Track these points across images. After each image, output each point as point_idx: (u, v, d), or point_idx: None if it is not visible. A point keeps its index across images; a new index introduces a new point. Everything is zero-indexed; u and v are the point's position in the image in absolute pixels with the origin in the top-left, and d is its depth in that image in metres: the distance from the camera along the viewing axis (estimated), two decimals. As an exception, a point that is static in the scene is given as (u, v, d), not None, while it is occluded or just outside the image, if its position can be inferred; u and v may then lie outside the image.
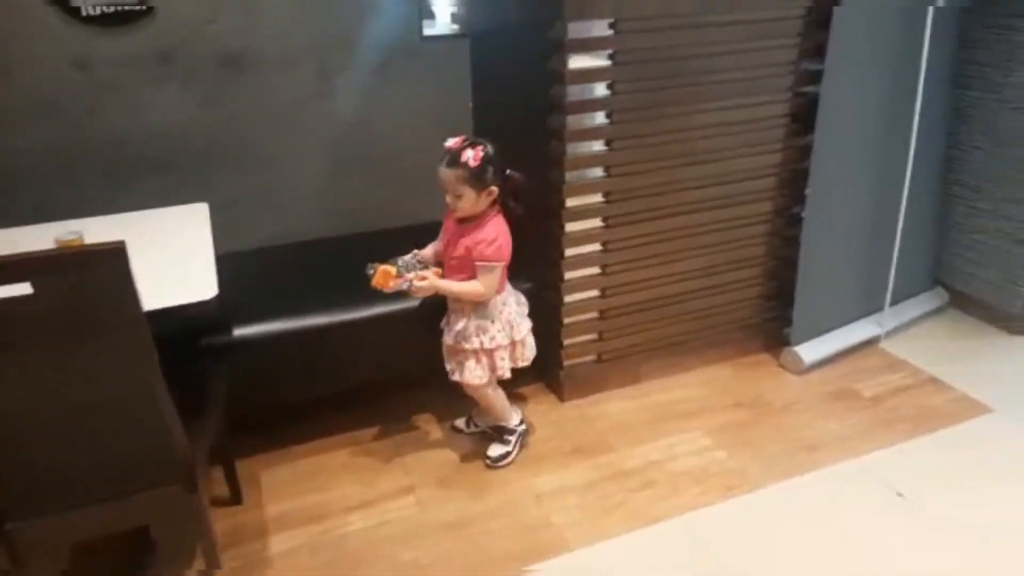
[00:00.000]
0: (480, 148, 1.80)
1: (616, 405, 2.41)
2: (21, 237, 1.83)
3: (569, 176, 2.12)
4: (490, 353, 1.97)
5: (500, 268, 1.89)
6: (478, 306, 1.93)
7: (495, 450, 2.13)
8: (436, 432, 2.28)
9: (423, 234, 2.10)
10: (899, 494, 1.99)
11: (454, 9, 2.68)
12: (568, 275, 2.25)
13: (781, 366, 2.60)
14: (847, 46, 2.21)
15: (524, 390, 2.46)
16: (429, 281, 1.84)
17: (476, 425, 2.24)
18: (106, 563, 1.76)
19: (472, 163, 1.78)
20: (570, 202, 2.15)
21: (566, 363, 2.38)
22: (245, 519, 1.93)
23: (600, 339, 2.41)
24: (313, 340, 2.08)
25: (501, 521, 1.93)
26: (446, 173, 1.81)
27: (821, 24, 2.20)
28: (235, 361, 1.95)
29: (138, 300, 1.19)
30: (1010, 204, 2.63)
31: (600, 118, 2.11)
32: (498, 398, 2.11)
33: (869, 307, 2.73)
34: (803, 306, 2.53)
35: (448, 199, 1.85)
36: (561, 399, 2.42)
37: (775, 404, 2.41)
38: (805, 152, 2.35)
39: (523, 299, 2.06)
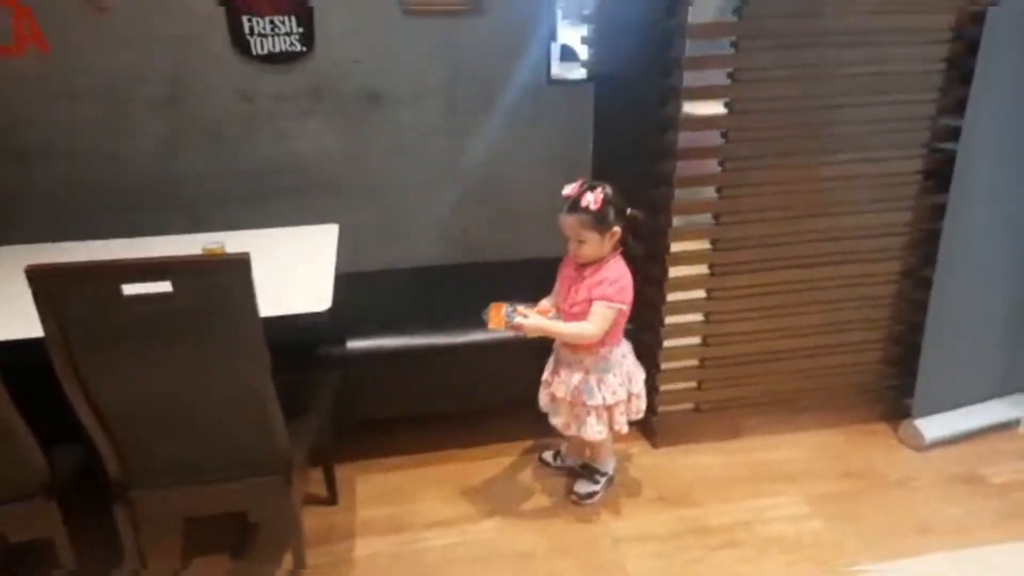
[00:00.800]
0: (600, 190, 1.78)
1: (710, 458, 2.34)
2: (176, 245, 2.10)
3: (676, 220, 2.12)
4: (611, 408, 1.94)
5: (617, 311, 1.83)
6: (599, 359, 1.89)
7: (583, 487, 2.13)
8: (524, 462, 2.32)
9: (537, 268, 2.16)
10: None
11: (583, 55, 2.79)
12: (669, 319, 2.24)
13: (899, 439, 2.42)
14: (988, 101, 2.07)
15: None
16: (532, 320, 1.82)
17: (564, 461, 2.26)
18: (212, 545, 1.94)
19: (593, 206, 1.76)
20: (675, 247, 2.14)
21: (661, 409, 2.35)
22: (337, 520, 2.06)
23: (699, 388, 2.36)
24: (418, 359, 2.21)
25: (575, 559, 1.93)
26: (568, 220, 1.80)
27: (963, 79, 2.08)
28: (346, 371, 2.11)
29: (256, 306, 1.34)
30: None
31: (713, 165, 2.10)
32: (607, 444, 2.12)
33: (1010, 387, 2.48)
34: (928, 376, 2.35)
35: (571, 246, 1.84)
36: (654, 445, 2.39)
37: (888, 478, 2.24)
38: (939, 212, 2.20)
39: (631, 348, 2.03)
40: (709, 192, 2.13)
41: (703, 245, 2.18)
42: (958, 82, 2.09)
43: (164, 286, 1.29)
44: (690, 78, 1.97)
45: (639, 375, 2.00)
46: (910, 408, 2.39)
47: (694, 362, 2.32)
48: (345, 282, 2.40)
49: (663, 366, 2.30)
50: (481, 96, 2.64)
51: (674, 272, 2.18)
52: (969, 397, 2.45)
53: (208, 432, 1.45)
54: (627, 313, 1.88)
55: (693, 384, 2.36)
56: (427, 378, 2.25)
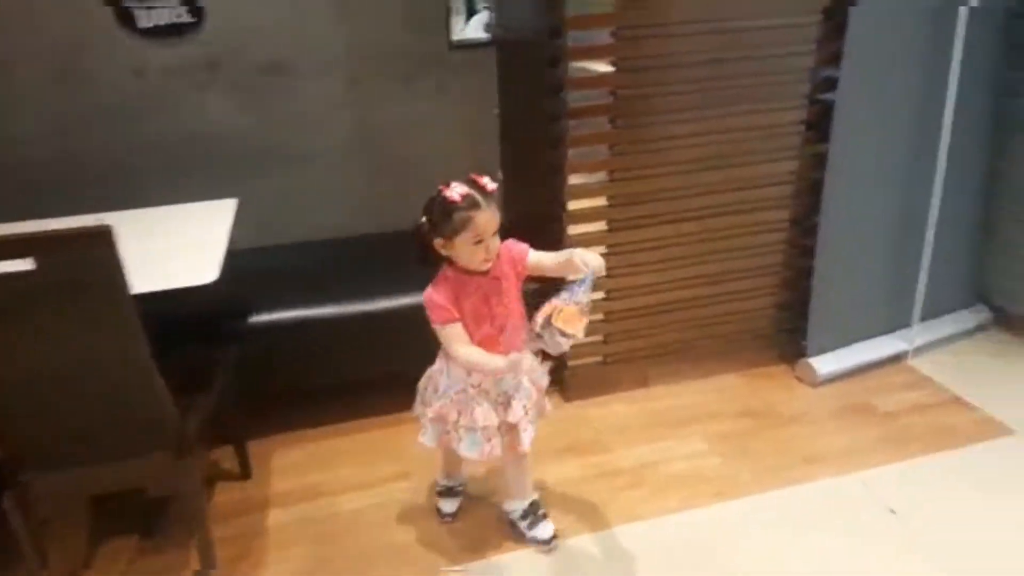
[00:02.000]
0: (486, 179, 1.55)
1: (619, 407, 2.45)
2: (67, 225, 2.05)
3: (572, 179, 2.18)
4: None
5: None
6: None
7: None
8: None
9: None
10: (892, 511, 1.93)
11: (485, 19, 2.79)
12: (571, 276, 2.30)
13: (796, 378, 2.56)
14: (864, 51, 2.16)
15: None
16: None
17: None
18: (117, 535, 1.94)
19: (491, 187, 1.55)
20: (572, 205, 2.20)
21: (570, 363, 2.43)
22: (251, 493, 2.08)
23: (605, 342, 2.44)
24: (328, 329, 2.22)
25: (488, 509, 2.00)
26: (491, 216, 1.51)
27: (838, 30, 2.16)
28: (251, 345, 2.12)
29: (124, 279, 1.34)
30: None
31: (605, 124, 2.16)
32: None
33: (897, 322, 2.64)
34: (819, 317, 2.48)
35: (483, 251, 1.54)
36: (566, 399, 2.47)
37: (784, 415, 2.38)
38: (822, 160, 2.31)
39: None
40: (603, 151, 2.19)
41: (600, 202, 2.25)
42: (834, 34, 2.18)
43: (27, 263, 1.28)
44: (577, 37, 2.01)
45: None
46: (804, 348, 2.52)
47: (599, 316, 2.40)
48: (251, 256, 2.41)
49: (570, 322, 2.37)
50: (383, 64, 2.63)
51: (572, 230, 2.24)
52: (859, 334, 2.60)
53: (93, 409, 1.45)
54: None
55: (600, 338, 2.44)
56: (337, 348, 2.27)
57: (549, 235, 2.30)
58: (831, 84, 2.23)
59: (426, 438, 1.75)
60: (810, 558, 1.81)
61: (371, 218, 2.76)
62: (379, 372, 2.38)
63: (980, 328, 2.77)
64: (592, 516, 1.96)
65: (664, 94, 2.15)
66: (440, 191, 1.53)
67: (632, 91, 2.12)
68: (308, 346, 2.23)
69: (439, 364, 1.72)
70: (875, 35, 2.18)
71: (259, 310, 2.18)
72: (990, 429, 2.24)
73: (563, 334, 1.47)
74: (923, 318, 2.63)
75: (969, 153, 2.52)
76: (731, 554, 1.83)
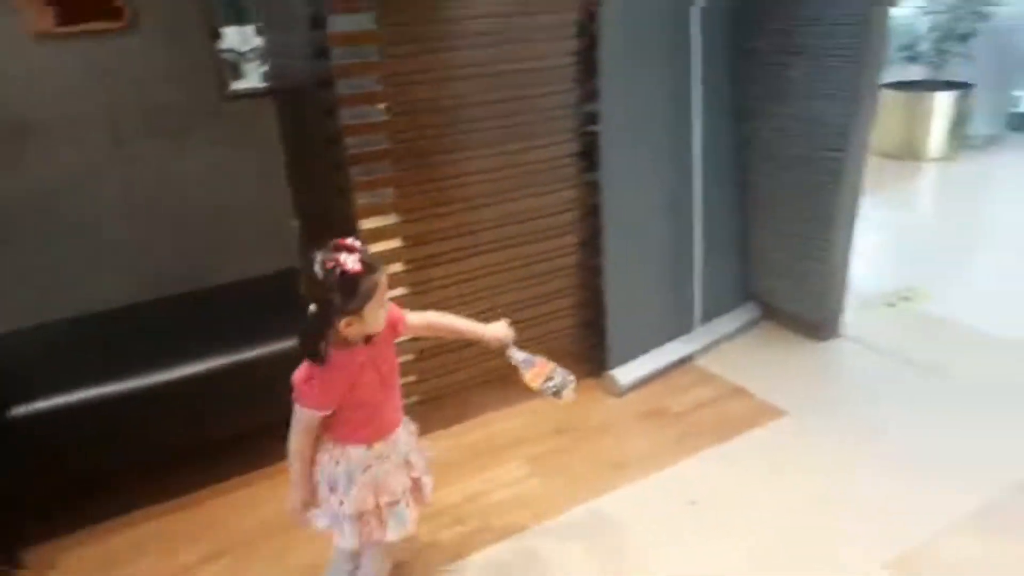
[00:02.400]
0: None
1: (439, 444, 2.44)
2: None
3: (364, 223, 2.18)
4: None
5: None
6: None
7: None
8: (247, 494, 2.25)
9: (239, 292, 2.16)
10: (692, 503, 2.10)
11: (264, 67, 2.74)
12: (374, 321, 2.29)
13: (603, 390, 2.71)
14: (616, 86, 2.38)
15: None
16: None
17: None
18: None
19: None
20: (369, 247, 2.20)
21: (386, 408, 2.41)
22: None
23: (419, 380, 2.45)
24: (104, 411, 2.03)
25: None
26: (383, 276, 1.48)
27: (593, 69, 2.36)
28: (15, 442, 1.88)
29: None
30: (797, 223, 2.87)
31: (388, 168, 2.19)
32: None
33: (682, 327, 2.89)
34: (615, 331, 2.66)
35: (375, 317, 1.47)
36: (386, 444, 2.44)
37: (593, 427, 2.51)
38: (597, 187, 2.50)
39: None
40: (389, 194, 2.21)
41: (395, 244, 2.27)
42: (589, 73, 2.38)
43: None
44: (346, 86, 2.03)
45: None
46: (606, 362, 2.69)
47: (411, 356, 2.41)
48: (16, 340, 2.16)
49: (379, 366, 2.35)
50: (149, 121, 2.49)
51: (370, 274, 2.24)
52: (652, 342, 2.81)
53: None
54: None
55: (413, 378, 2.44)
56: (121, 428, 2.08)
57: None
58: (594, 118, 2.43)
59: (347, 541, 1.57)
60: (623, 559, 1.91)
61: (153, 283, 2.58)
62: (168, 450, 2.21)
63: (752, 323, 3.10)
64: (413, 564, 1.94)
65: (441, 136, 2.23)
66: (332, 268, 1.36)
67: (410, 134, 2.17)
68: (82, 432, 2.02)
69: (328, 455, 1.56)
70: (624, 70, 2.40)
71: (22, 400, 1.94)
72: (768, 413, 2.50)
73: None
74: (703, 320, 2.91)
75: (721, 170, 2.84)
76: (551, 570, 1.88)
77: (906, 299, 3.33)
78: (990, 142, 5.78)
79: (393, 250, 2.27)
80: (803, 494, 2.11)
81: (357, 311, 1.41)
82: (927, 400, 2.53)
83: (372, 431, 1.57)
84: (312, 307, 1.42)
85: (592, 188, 2.52)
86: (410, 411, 2.41)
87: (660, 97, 2.58)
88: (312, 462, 1.56)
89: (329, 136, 2.12)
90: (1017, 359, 2.76)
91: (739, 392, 2.64)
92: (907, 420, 2.42)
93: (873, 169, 3.26)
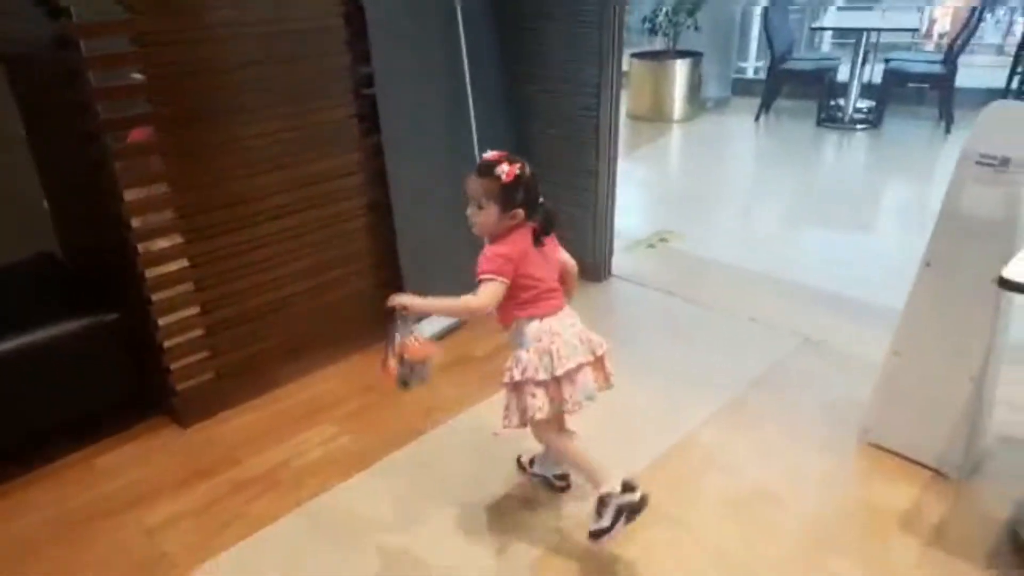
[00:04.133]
0: (517, 166, 1.66)
1: (244, 418, 2.39)
2: None
3: (128, 194, 2.03)
4: (520, 388, 1.71)
5: (500, 284, 1.66)
6: (515, 335, 1.76)
7: (593, 523, 1.72)
8: (28, 489, 2.05)
9: None
10: (495, 434, 2.26)
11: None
12: (156, 296, 2.16)
13: (407, 346, 2.79)
14: (387, 48, 2.44)
15: (146, 424, 2.32)
16: (401, 298, 1.74)
17: (534, 468, 2.06)
18: None
19: (504, 178, 1.64)
20: (136, 222, 2.06)
21: (180, 387, 2.29)
22: None
23: (213, 355, 2.35)
24: None
25: (108, 570, 1.79)
26: (475, 181, 1.69)
27: (362, 31, 2.39)
28: None
29: None
30: (568, 175, 3.14)
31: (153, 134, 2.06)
32: (570, 451, 1.80)
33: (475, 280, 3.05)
34: (413, 288, 2.73)
35: (469, 210, 1.72)
36: (184, 426, 2.33)
37: (400, 382, 2.58)
38: (379, 149, 2.55)
39: (587, 335, 1.76)
40: (156, 161, 2.08)
41: (168, 215, 2.14)
42: (361, 35, 2.41)
43: None
44: (90, 47, 1.87)
45: (574, 358, 1.70)
46: (408, 318, 2.77)
47: (199, 332, 2.30)
48: None
49: (166, 344, 2.23)
50: None
51: (145, 247, 2.10)
52: (451, 295, 2.93)
53: None
54: (521, 285, 1.70)
55: (206, 353, 2.34)
56: None
57: (120, 256, 2.12)
58: (369, 80, 2.46)
59: (543, 412, 1.68)
60: (439, 493, 2.03)
61: None
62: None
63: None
64: (228, 533, 1.90)
65: (209, 99, 2.13)
66: (523, 170, 1.67)
67: (171, 97, 2.05)
68: None
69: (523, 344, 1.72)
70: (393, 32, 2.45)
71: None
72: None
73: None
74: (495, 272, 3.09)
75: (498, 130, 3.02)
76: (368, 517, 1.95)
77: (663, 240, 3.80)
78: (720, 104, 6.69)
79: (167, 221, 2.14)
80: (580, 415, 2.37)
81: (525, 205, 1.68)
82: (683, 322, 2.94)
83: (541, 308, 1.73)
84: (491, 201, 1.67)
85: (375, 149, 2.56)
86: (206, 387, 2.35)
87: (433, 62, 2.67)
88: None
89: (77, 103, 1.94)
90: (749, 280, 3.29)
91: (531, 333, 2.86)
92: (668, 340, 2.80)
93: (629, 131, 3.58)
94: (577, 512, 1.92)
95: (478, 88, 2.80)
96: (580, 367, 1.70)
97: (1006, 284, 1.44)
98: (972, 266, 1.77)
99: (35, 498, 2.05)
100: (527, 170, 1.68)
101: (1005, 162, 1.68)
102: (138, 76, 1.99)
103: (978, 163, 1.72)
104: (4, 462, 2.09)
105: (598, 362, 1.77)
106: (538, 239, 1.73)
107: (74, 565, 1.81)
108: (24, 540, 1.89)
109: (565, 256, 1.86)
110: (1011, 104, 1.69)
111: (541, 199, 1.72)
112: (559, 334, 1.70)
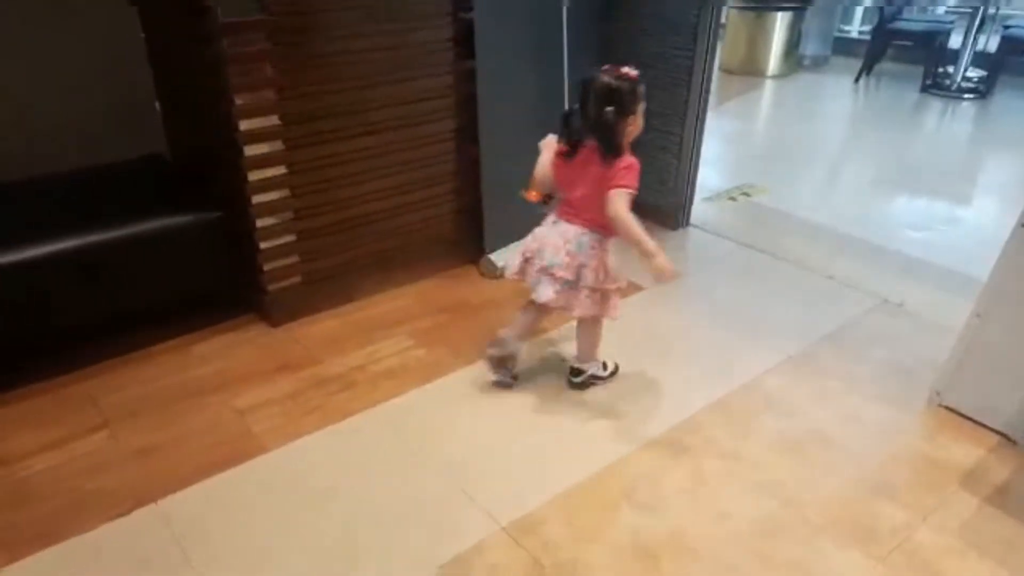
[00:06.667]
0: (630, 70, 1.81)
1: (326, 323, 2.54)
2: None
3: (239, 99, 2.15)
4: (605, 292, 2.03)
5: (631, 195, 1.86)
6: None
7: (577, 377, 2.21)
8: (128, 366, 2.26)
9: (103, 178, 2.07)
10: (563, 359, 2.34)
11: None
12: (256, 199, 2.30)
13: (481, 274, 2.89)
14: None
15: (236, 321, 2.49)
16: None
17: (506, 347, 2.19)
18: None
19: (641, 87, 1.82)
20: (244, 124, 2.18)
21: (271, 287, 2.45)
22: None
23: (303, 261, 2.50)
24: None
25: (199, 440, 1.97)
26: (631, 93, 1.82)
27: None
28: None
29: None
30: (655, 118, 3.11)
31: (264, 41, 2.16)
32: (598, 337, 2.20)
33: (554, 215, 3.09)
34: (492, 216, 2.82)
35: (641, 119, 1.87)
36: (272, 324, 2.49)
37: (474, 305, 2.69)
38: (472, 75, 2.59)
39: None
40: (268, 69, 2.19)
41: (273, 121, 2.26)
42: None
43: None
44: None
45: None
46: (484, 246, 2.85)
47: (292, 237, 2.44)
48: None
49: (262, 246, 2.38)
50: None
51: (250, 151, 2.23)
52: (527, 229, 2.99)
53: None
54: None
55: (296, 259, 2.48)
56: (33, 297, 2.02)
57: (227, 158, 2.26)
58: (469, 3, 2.49)
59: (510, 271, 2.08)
60: (511, 407, 2.13)
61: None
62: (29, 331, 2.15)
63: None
64: (310, 420, 2.05)
65: (316, 12, 2.21)
66: (621, 75, 1.79)
67: (285, 7, 2.14)
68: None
69: (601, 245, 1.98)
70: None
71: None
72: (631, 288, 2.74)
73: None
74: (573, 209, 3.13)
75: (585, 66, 3.00)
76: (443, 422, 2.07)
77: (746, 194, 3.75)
78: (819, 63, 6.40)
79: (272, 127, 2.26)
80: (655, 347, 2.42)
81: (635, 112, 1.82)
82: (759, 274, 2.92)
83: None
84: (608, 110, 1.78)
85: (467, 75, 2.60)
86: (294, 291, 2.50)
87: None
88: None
89: (194, 6, 2.05)
90: (831, 239, 3.23)
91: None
92: (742, 290, 2.80)
93: (720, 83, 3.47)
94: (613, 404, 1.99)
95: (572, 26, 2.79)
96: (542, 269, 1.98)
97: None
98: (1073, 229, 1.71)
99: (135, 374, 2.23)
100: (636, 72, 1.84)
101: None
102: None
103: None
104: (109, 341, 2.29)
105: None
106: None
107: (167, 433, 2.00)
108: (123, 407, 2.09)
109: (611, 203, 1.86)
110: None
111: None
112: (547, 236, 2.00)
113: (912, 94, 5.61)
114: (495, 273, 2.84)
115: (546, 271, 1.97)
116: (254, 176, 2.27)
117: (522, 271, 2.05)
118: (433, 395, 2.18)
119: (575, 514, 1.75)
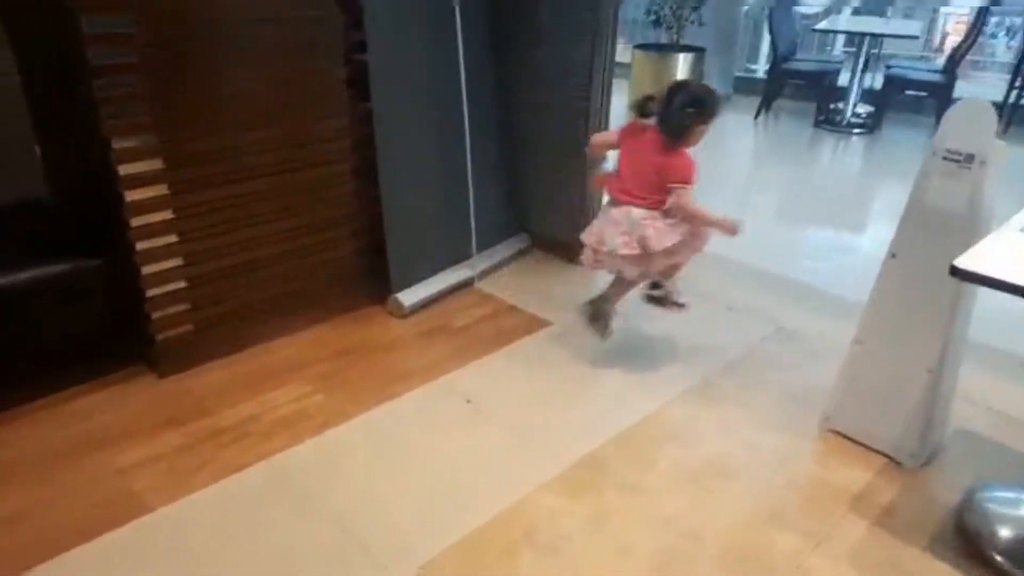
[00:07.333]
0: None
1: (219, 373, 2.43)
2: None
3: (116, 143, 2.06)
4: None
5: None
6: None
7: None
8: (16, 430, 2.10)
9: None
10: (468, 401, 2.31)
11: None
12: (140, 246, 2.20)
13: (389, 313, 2.84)
14: (382, 13, 2.45)
15: (123, 372, 2.36)
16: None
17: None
18: None
19: None
20: (124, 169, 2.09)
21: (159, 336, 2.33)
22: None
23: (194, 308, 2.39)
24: None
25: (74, 502, 1.85)
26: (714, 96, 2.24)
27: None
28: None
29: None
30: (555, 157, 3.17)
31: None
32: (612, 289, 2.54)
33: (462, 254, 3.10)
34: (396, 257, 2.79)
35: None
36: (161, 375, 2.37)
37: (379, 346, 2.64)
38: (370, 116, 2.57)
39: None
40: (145, 112, 2.11)
41: (156, 165, 2.18)
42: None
43: None
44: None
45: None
46: (390, 286, 2.81)
47: (182, 283, 2.34)
48: None
49: (149, 293, 2.27)
50: None
51: (131, 196, 2.14)
52: (434, 268, 2.99)
53: None
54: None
55: (187, 306, 2.38)
56: None
57: (106, 204, 2.15)
58: (362, 45, 2.49)
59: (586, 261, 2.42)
60: (410, 452, 2.08)
61: None
62: None
63: (523, 251, 3.40)
64: (199, 476, 1.94)
65: (198, 51, 2.16)
66: (712, 91, 2.22)
67: (162, 48, 2.08)
68: None
69: (678, 228, 2.28)
70: (387, 5, 2.47)
71: None
72: (535, 324, 2.80)
73: None
74: (481, 248, 3.14)
75: (484, 110, 3.03)
76: (332, 470, 2.00)
77: (651, 228, 3.84)
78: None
79: (155, 171, 2.17)
80: (558, 384, 2.42)
81: (710, 122, 2.18)
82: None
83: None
84: (691, 110, 2.12)
85: (365, 116, 2.58)
86: (184, 339, 2.39)
87: (426, 25, 2.67)
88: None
89: (70, 50, 1.97)
90: (734, 274, 3.34)
91: (512, 310, 2.91)
92: (645, 322, 2.84)
93: (626, 121, 3.56)
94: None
95: (471, 73, 2.82)
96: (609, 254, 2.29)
97: (957, 273, 1.48)
98: (934, 259, 1.81)
99: (9, 435, 2.08)
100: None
101: (969, 158, 1.72)
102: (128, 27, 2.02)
103: (944, 158, 1.76)
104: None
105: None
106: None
107: (43, 498, 1.86)
108: (-4, 473, 1.94)
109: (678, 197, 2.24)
110: (977, 102, 1.72)
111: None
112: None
113: (807, 129, 5.93)
114: (403, 312, 2.80)
115: (612, 255, 2.26)
116: (137, 222, 2.17)
117: (597, 261, 2.35)
118: (328, 444, 2.10)
119: (473, 560, 1.71)
